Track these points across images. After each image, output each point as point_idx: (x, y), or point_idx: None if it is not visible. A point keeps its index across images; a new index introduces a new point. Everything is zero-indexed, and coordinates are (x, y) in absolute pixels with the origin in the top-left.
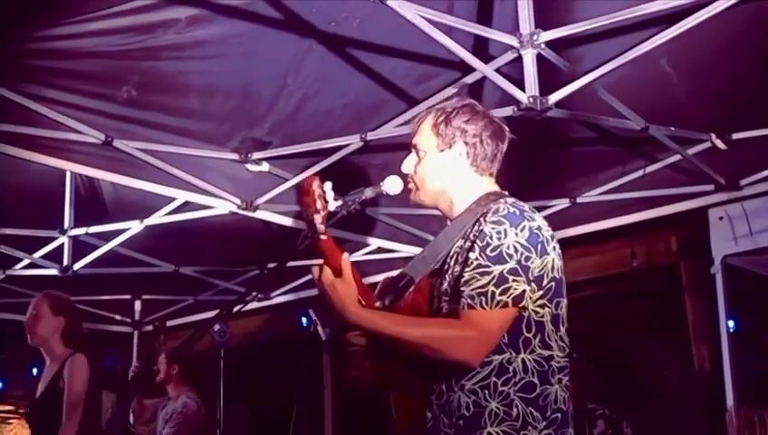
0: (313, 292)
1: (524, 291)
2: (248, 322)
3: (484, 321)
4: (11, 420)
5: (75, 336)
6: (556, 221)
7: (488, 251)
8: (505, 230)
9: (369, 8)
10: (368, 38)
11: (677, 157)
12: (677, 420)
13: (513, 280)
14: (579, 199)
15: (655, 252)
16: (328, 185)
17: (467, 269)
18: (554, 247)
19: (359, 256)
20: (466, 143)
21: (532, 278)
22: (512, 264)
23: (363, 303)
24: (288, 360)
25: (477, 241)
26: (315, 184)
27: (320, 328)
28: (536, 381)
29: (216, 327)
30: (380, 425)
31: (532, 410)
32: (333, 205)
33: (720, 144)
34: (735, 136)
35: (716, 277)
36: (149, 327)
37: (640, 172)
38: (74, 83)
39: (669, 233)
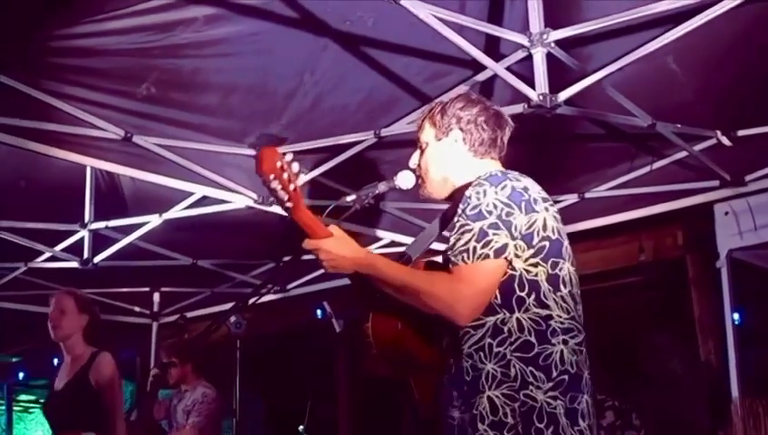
0: (328, 284)
1: (506, 244)
2: (264, 313)
3: (469, 274)
4: (33, 410)
5: (96, 334)
6: (565, 216)
7: (468, 210)
8: (485, 190)
9: (383, 8)
10: (381, 37)
11: (684, 153)
12: (684, 410)
13: (494, 233)
14: (587, 195)
15: (662, 246)
16: (289, 155)
17: (453, 233)
18: (546, 208)
19: (372, 249)
20: (462, 129)
21: (517, 235)
22: (491, 219)
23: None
24: (303, 350)
25: (461, 205)
26: (268, 153)
27: (334, 319)
28: (533, 340)
29: (233, 319)
30: (393, 414)
31: (533, 370)
32: (303, 179)
33: (725, 141)
34: (740, 133)
35: (722, 271)
36: (169, 318)
37: (647, 168)
38: (95, 81)
39: (676, 228)
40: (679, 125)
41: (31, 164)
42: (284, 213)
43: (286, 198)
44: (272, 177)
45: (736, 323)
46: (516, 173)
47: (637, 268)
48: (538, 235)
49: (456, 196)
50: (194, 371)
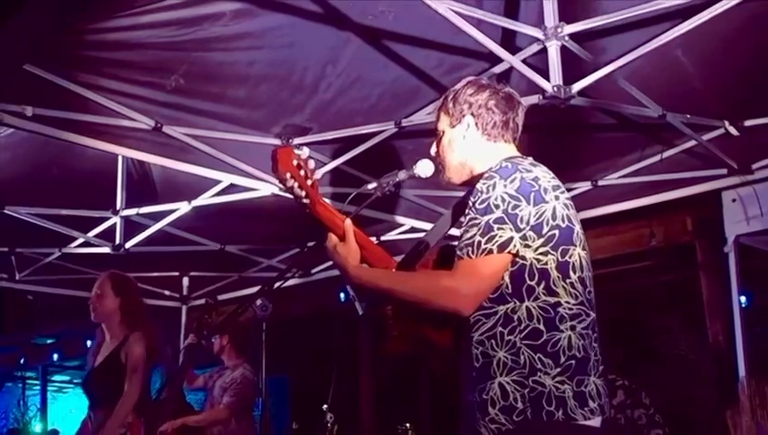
0: None
1: (511, 238)
2: (289, 297)
3: (471, 269)
4: (66, 390)
5: (134, 314)
6: (579, 203)
7: (477, 204)
8: (495, 183)
9: (404, 3)
10: (402, 30)
11: (693, 142)
12: (692, 389)
13: (499, 228)
14: (600, 182)
15: (672, 232)
16: (305, 151)
17: (463, 226)
18: (556, 196)
19: (393, 235)
20: (473, 114)
21: (523, 226)
22: (498, 213)
23: (372, 266)
24: (326, 332)
25: (472, 198)
26: (284, 153)
27: (356, 302)
28: (542, 327)
29: (259, 302)
30: (413, 394)
31: (541, 357)
32: (319, 174)
33: (733, 130)
34: (747, 123)
35: (729, 256)
36: (198, 302)
37: (658, 157)
38: (127, 73)
39: (685, 214)
40: (688, 115)
41: (66, 153)
42: (305, 211)
43: (303, 194)
44: (288, 175)
45: (743, 305)
46: (528, 162)
47: (648, 253)
48: (547, 224)
49: (473, 182)
50: (236, 348)
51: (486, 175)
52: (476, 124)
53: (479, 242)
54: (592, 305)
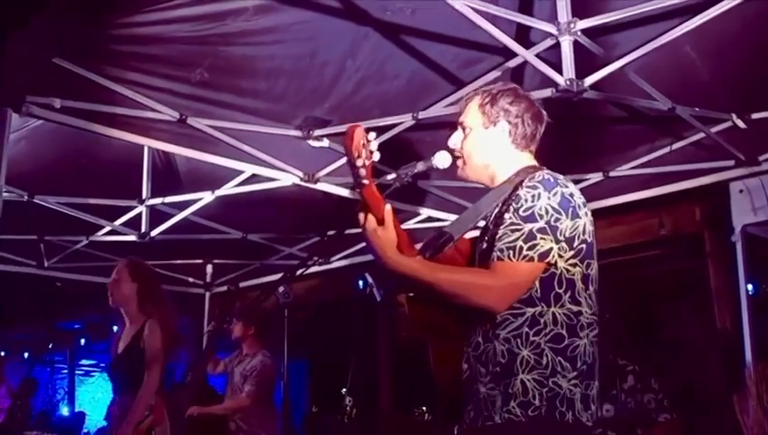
0: (369, 257)
1: (551, 248)
2: (310, 284)
3: (510, 272)
4: (93, 374)
5: (151, 301)
6: (590, 193)
7: (521, 211)
8: (539, 193)
9: None
10: (419, 26)
11: (701, 135)
12: (701, 375)
13: (542, 238)
14: (611, 173)
15: (680, 222)
16: (372, 135)
17: (501, 227)
18: (586, 213)
19: (410, 224)
20: (509, 122)
21: (561, 238)
22: (541, 223)
23: (405, 253)
24: (345, 318)
25: (513, 203)
26: (359, 132)
27: (375, 290)
28: (565, 333)
29: (281, 289)
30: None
31: (561, 360)
32: (378, 155)
33: (740, 123)
34: (755, 116)
35: (737, 245)
36: (221, 289)
37: (667, 149)
38: (152, 66)
39: (694, 204)
40: (697, 108)
41: (93, 144)
42: (355, 187)
43: (364, 174)
44: (357, 154)
45: (750, 293)
46: (563, 179)
47: (657, 242)
48: (579, 238)
49: (499, 184)
50: (256, 336)
51: (530, 184)
52: (510, 132)
53: (521, 247)
54: (598, 316)
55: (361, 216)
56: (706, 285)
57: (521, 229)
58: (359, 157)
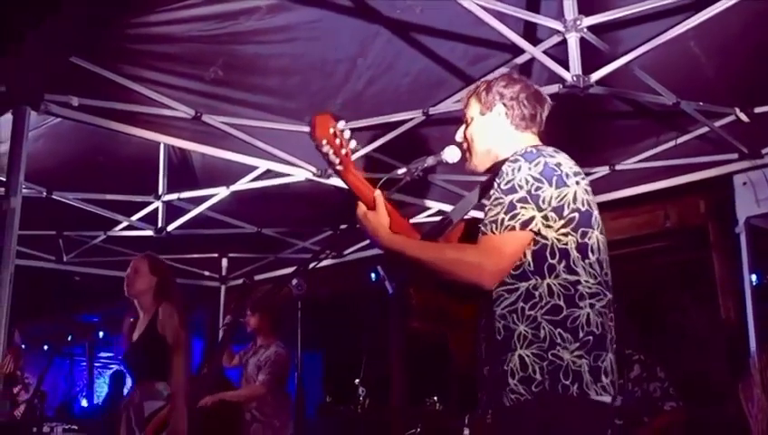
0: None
1: (533, 217)
2: (323, 277)
3: (494, 244)
4: (112, 366)
5: (165, 294)
6: (597, 186)
7: (502, 185)
8: (520, 166)
9: None
10: (429, 23)
11: (705, 129)
12: (705, 364)
13: (522, 207)
14: (617, 167)
15: (685, 214)
16: (341, 123)
17: (487, 204)
18: (577, 182)
19: (420, 217)
20: (504, 105)
21: (545, 207)
22: (521, 193)
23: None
24: (358, 310)
25: (497, 179)
26: (321, 120)
27: (386, 282)
28: (562, 304)
29: (294, 281)
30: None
31: (561, 332)
32: (354, 143)
33: (744, 117)
34: (758, 110)
35: (740, 236)
36: (236, 282)
37: (672, 142)
38: (168, 65)
39: (698, 197)
40: (701, 103)
41: (110, 141)
42: (337, 177)
43: (337, 161)
44: (324, 142)
45: (754, 283)
46: (552, 149)
47: (663, 234)
48: (568, 207)
49: (497, 167)
50: (270, 328)
51: (512, 158)
52: (507, 114)
53: (502, 219)
54: (609, 287)
55: (356, 205)
56: (711, 275)
57: (502, 202)
58: (325, 144)
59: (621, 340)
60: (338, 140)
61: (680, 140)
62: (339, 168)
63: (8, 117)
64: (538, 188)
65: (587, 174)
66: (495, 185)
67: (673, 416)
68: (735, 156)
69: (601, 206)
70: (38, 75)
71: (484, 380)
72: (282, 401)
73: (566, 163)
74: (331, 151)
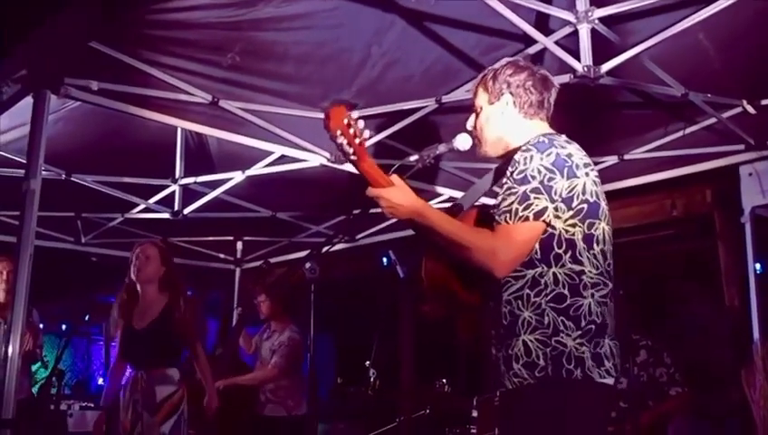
0: (393, 235)
1: (546, 207)
2: (336, 260)
3: (508, 233)
4: None
5: (172, 284)
6: (606, 175)
7: (515, 175)
8: (532, 156)
9: None
10: (443, 13)
11: (713, 120)
12: (710, 350)
13: (535, 197)
14: (626, 156)
15: (692, 203)
16: (355, 114)
17: (501, 193)
18: (587, 174)
19: (432, 203)
20: (512, 93)
21: (557, 198)
22: (534, 184)
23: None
24: (370, 294)
25: (509, 168)
26: (336, 111)
27: (398, 266)
28: (566, 292)
29: (308, 265)
30: (449, 352)
31: (564, 320)
32: (368, 133)
33: (750, 109)
34: (764, 102)
35: (746, 226)
36: (251, 265)
37: (680, 133)
38: (186, 51)
39: (705, 186)
40: (709, 95)
41: (128, 125)
42: (352, 167)
43: (351, 151)
44: (338, 132)
45: (758, 272)
46: (563, 139)
47: (670, 223)
48: (577, 198)
49: (509, 155)
50: (284, 312)
51: (524, 148)
52: (514, 102)
53: (516, 209)
54: (611, 277)
55: (368, 190)
56: (716, 264)
57: (516, 192)
58: (340, 135)
59: (629, 325)
60: (352, 130)
61: (688, 130)
62: (353, 157)
63: (28, 100)
64: (551, 179)
65: (596, 163)
66: (508, 174)
67: (678, 401)
68: (742, 147)
69: (610, 194)
70: (58, 60)
71: (492, 362)
72: (295, 383)
73: (577, 154)
74: (345, 141)
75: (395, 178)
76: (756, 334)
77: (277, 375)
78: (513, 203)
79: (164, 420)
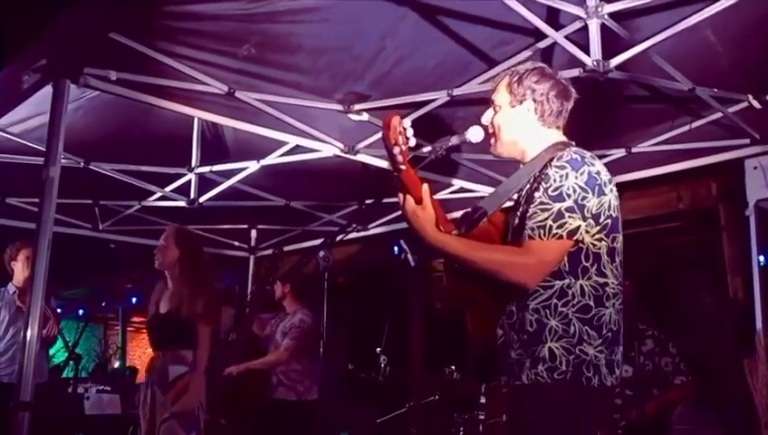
0: (404, 224)
1: (579, 226)
2: (348, 249)
3: (541, 249)
4: (144, 330)
5: (193, 269)
6: (614, 168)
7: (550, 191)
8: (567, 174)
9: None
10: (455, 7)
11: (719, 114)
12: (714, 340)
13: (570, 216)
14: (633, 149)
15: (697, 196)
16: (407, 122)
17: (532, 206)
18: (611, 190)
19: (444, 194)
20: (534, 100)
21: (588, 215)
22: (569, 202)
23: (442, 228)
24: (381, 282)
25: (542, 183)
26: (395, 120)
27: (409, 256)
28: (592, 303)
29: (321, 253)
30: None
31: (588, 329)
32: (413, 141)
33: (756, 104)
34: None
35: (750, 219)
36: (265, 252)
37: (687, 127)
38: (202, 42)
39: (710, 180)
40: (716, 89)
41: (146, 115)
42: (394, 171)
43: (401, 160)
44: (394, 142)
45: (761, 264)
46: (590, 156)
47: (675, 215)
48: (604, 214)
49: (530, 161)
50: (296, 295)
51: (558, 164)
52: (536, 110)
53: (551, 226)
54: (621, 283)
55: (401, 196)
56: (721, 256)
57: (550, 209)
58: (395, 144)
59: (635, 315)
60: (401, 138)
61: (694, 124)
62: (402, 167)
63: (48, 89)
64: (584, 198)
65: (604, 155)
66: (542, 189)
67: (682, 390)
68: (747, 141)
69: (617, 186)
70: (78, 50)
71: (505, 360)
72: (307, 367)
73: (603, 171)
74: (398, 152)
75: (426, 189)
76: (759, 325)
77: (288, 358)
78: (547, 219)
79: (175, 399)
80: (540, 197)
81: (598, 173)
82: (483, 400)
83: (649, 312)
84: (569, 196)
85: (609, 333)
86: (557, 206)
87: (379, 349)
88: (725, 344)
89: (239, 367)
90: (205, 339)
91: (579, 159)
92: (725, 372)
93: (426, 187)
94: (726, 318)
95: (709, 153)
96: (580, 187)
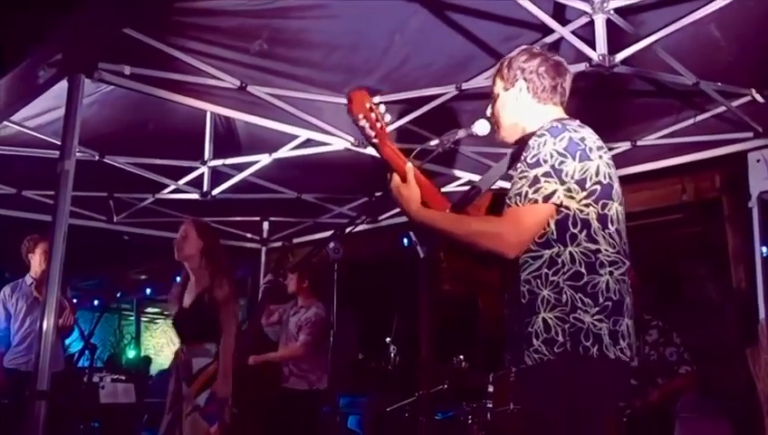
0: None
1: (555, 190)
2: (358, 241)
3: (517, 215)
4: (158, 321)
5: (214, 260)
6: (619, 161)
7: (528, 159)
8: (545, 140)
9: None
10: (463, 3)
11: (723, 108)
12: (717, 330)
13: (545, 181)
14: (638, 142)
15: (701, 188)
16: (377, 98)
17: (514, 175)
18: (600, 156)
19: (452, 187)
20: (525, 79)
21: (567, 180)
22: (545, 168)
23: (429, 205)
24: (390, 273)
25: (524, 153)
26: (358, 95)
27: (418, 247)
28: (583, 270)
29: (332, 245)
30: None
31: (581, 297)
32: (389, 117)
33: (759, 98)
34: None
35: (753, 210)
36: (276, 244)
37: (691, 120)
38: (215, 37)
39: (714, 172)
40: (719, 84)
41: (159, 109)
42: (373, 149)
43: (373, 134)
44: (360, 116)
45: (764, 255)
46: (576, 123)
47: (680, 207)
48: (590, 180)
49: (524, 139)
50: (310, 289)
51: (538, 133)
52: (528, 88)
53: (526, 192)
54: (627, 255)
55: (389, 175)
56: (724, 247)
57: (527, 175)
58: (364, 118)
59: (641, 305)
60: (373, 115)
61: (698, 118)
62: (374, 141)
63: (64, 84)
64: (562, 163)
65: (609, 148)
66: (522, 158)
67: (686, 379)
68: (750, 134)
69: (622, 179)
70: (92, 45)
71: (508, 338)
72: (318, 358)
73: (590, 138)
74: (367, 125)
75: (409, 166)
76: (762, 314)
77: (304, 353)
78: (523, 186)
79: (198, 391)
80: (520, 166)
81: (582, 139)
82: (491, 389)
83: (653, 303)
84: (545, 161)
85: (609, 302)
86: (533, 172)
87: (388, 339)
88: (729, 334)
89: (257, 357)
90: (230, 325)
91: (559, 126)
92: (729, 361)
93: (410, 165)
94: (730, 308)
95: (713, 146)
96: (558, 152)
